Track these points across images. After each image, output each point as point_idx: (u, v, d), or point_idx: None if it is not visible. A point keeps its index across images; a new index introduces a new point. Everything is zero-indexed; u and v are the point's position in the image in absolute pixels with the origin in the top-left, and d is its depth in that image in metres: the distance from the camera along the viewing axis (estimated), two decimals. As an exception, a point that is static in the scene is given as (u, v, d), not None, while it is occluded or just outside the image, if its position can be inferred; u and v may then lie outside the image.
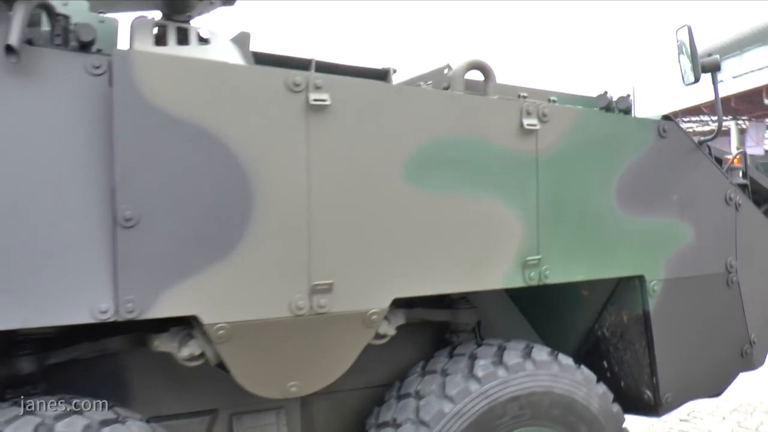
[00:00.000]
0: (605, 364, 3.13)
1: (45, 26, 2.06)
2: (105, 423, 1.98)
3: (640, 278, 2.76)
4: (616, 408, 2.79)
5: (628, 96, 2.77)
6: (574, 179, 2.56)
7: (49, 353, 2.27)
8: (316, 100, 2.09)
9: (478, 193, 2.37)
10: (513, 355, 2.61)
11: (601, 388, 2.75)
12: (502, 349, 2.66)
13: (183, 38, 2.09)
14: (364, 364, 2.91)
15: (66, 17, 2.00)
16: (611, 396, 2.78)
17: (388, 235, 2.23)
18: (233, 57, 2.21)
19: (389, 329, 2.41)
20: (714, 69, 2.77)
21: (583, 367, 2.75)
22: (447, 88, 2.55)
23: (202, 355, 2.14)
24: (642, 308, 2.80)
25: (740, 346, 3.11)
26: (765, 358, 3.28)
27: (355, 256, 2.19)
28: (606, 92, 2.82)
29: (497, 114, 2.40)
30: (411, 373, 2.71)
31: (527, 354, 2.62)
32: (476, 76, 2.68)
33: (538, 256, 2.48)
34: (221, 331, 2.04)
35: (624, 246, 2.69)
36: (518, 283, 2.47)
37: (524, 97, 2.73)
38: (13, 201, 1.80)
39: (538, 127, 2.45)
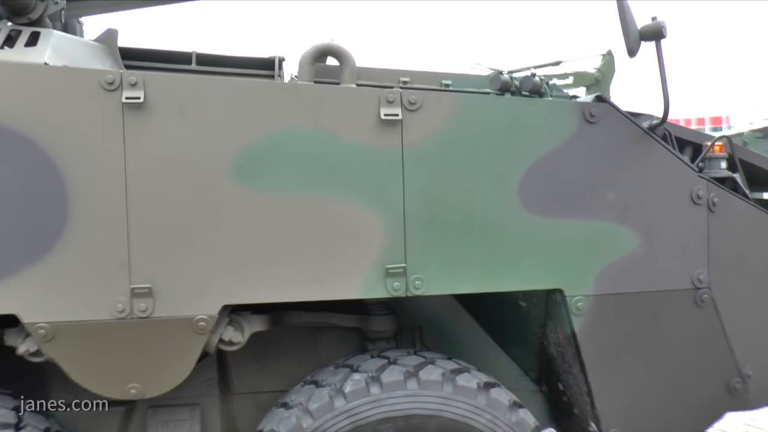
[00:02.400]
0: (560, 386, 2.75)
1: None
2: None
3: (561, 293, 2.36)
4: None
5: (533, 75, 2.35)
6: (457, 176, 2.26)
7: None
8: (128, 98, 2.08)
9: (323, 193, 2.20)
10: (394, 372, 2.39)
11: (518, 416, 2.42)
12: (392, 363, 2.45)
13: (11, 42, 2.19)
14: (288, 366, 2.87)
15: None
16: (533, 425, 2.43)
17: (214, 238, 2.16)
18: (75, 57, 2.27)
19: (236, 336, 2.34)
20: (657, 37, 2.24)
21: (494, 390, 2.44)
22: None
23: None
24: (570, 328, 2.39)
25: (725, 381, 2.53)
26: None
27: (177, 259, 2.15)
28: (501, 72, 2.41)
29: (348, 104, 2.20)
30: (301, 380, 2.60)
31: (413, 372, 2.38)
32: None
33: (403, 265, 2.23)
34: (41, 331, 2.12)
35: (532, 254, 2.32)
36: (380, 293, 2.25)
37: (404, 82, 2.44)
38: None
39: (400, 117, 2.19)
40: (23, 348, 2.24)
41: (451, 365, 2.49)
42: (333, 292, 2.24)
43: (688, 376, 2.50)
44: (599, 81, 11.86)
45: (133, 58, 2.53)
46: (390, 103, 2.20)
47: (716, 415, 2.58)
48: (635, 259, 2.38)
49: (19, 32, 2.20)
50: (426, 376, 2.39)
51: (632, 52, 2.24)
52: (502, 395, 2.45)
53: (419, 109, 2.22)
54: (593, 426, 2.54)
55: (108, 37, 2.47)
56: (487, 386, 2.46)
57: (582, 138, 2.33)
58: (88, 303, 2.13)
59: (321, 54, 2.37)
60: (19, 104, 2.07)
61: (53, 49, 2.19)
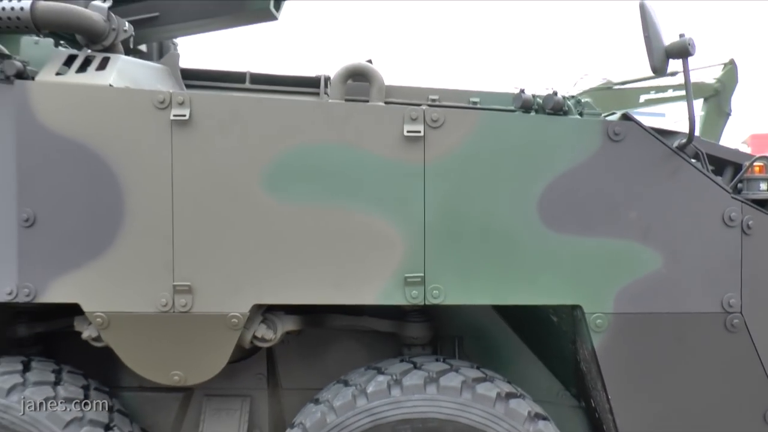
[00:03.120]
0: (592, 402, 2.75)
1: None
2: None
3: (580, 309, 2.38)
4: None
5: (555, 93, 2.39)
6: (477, 191, 2.35)
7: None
8: (176, 115, 2.35)
9: (347, 204, 2.36)
10: (415, 377, 2.50)
11: (537, 426, 2.47)
12: (417, 368, 2.57)
13: (83, 66, 2.51)
14: (331, 366, 3.06)
15: (7, 54, 2.57)
16: None
17: (247, 243, 2.38)
18: (137, 79, 2.57)
19: (268, 333, 2.54)
20: (683, 55, 2.22)
21: (515, 400, 2.50)
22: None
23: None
24: (590, 344, 2.41)
25: (762, 410, 2.44)
26: None
27: (214, 261, 2.39)
28: (522, 90, 2.46)
29: (373, 121, 2.35)
30: (336, 380, 2.77)
31: (434, 378, 2.49)
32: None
33: (420, 274, 2.35)
34: (98, 319, 2.43)
35: (550, 269, 2.36)
36: (399, 300, 2.38)
37: (433, 100, 2.55)
38: None
39: (422, 134, 2.32)
40: (86, 333, 2.56)
41: (474, 374, 2.57)
42: (354, 297, 2.39)
43: (719, 403, 2.44)
44: (719, 92, 11.16)
45: (193, 78, 2.82)
46: (413, 120, 2.33)
47: None
48: (659, 280, 2.36)
49: (93, 57, 2.53)
50: (446, 382, 2.48)
51: (656, 70, 2.24)
52: (522, 406, 2.50)
53: (441, 126, 2.34)
54: None
55: (170, 60, 2.77)
56: (509, 396, 2.52)
57: (605, 156, 2.34)
58: (137, 296, 2.41)
59: (351, 74, 2.54)
60: (87, 121, 2.39)
61: (118, 72, 2.50)
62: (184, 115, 2.35)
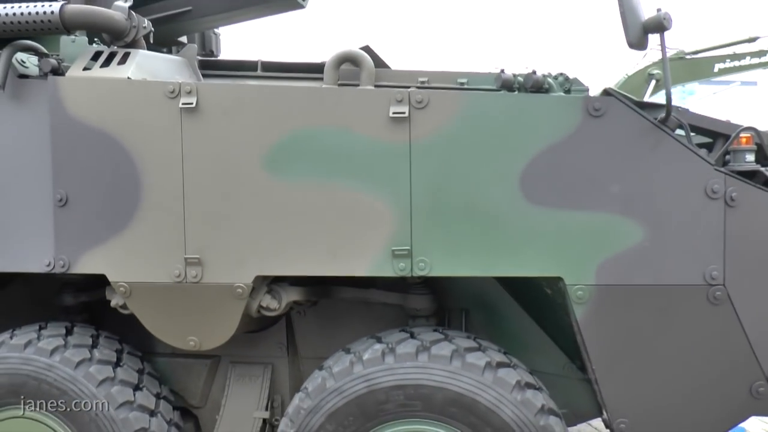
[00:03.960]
0: (590, 373, 2.84)
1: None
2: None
3: (562, 281, 2.48)
4: (545, 421, 2.58)
5: (534, 72, 2.46)
6: (461, 168, 2.48)
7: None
8: (184, 103, 2.59)
9: (340, 182, 2.54)
10: (409, 345, 2.67)
11: (524, 395, 2.59)
12: (412, 338, 2.73)
13: (107, 61, 2.79)
14: (345, 335, 3.27)
15: (46, 53, 2.88)
16: (540, 406, 2.59)
17: (250, 219, 2.61)
18: (155, 71, 2.82)
19: (272, 303, 2.76)
20: (660, 29, 2.25)
21: (503, 369, 2.63)
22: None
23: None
24: (574, 316, 2.51)
25: (748, 383, 2.45)
26: None
27: (221, 236, 2.63)
28: (502, 71, 2.54)
29: (363, 104, 2.51)
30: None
31: (424, 346, 2.65)
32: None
33: (407, 247, 2.51)
34: (122, 288, 2.73)
35: (533, 242, 2.47)
36: (387, 272, 2.55)
37: (423, 82, 2.67)
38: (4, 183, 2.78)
39: (407, 114, 2.46)
40: (114, 302, 2.87)
41: (467, 344, 2.71)
42: (346, 269, 2.58)
43: (705, 375, 2.48)
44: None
45: (210, 67, 3.06)
46: (399, 102, 2.48)
47: (739, 418, 2.52)
48: (641, 252, 2.42)
49: (116, 53, 2.80)
50: (437, 351, 2.64)
51: (632, 45, 2.29)
52: (511, 375, 2.62)
53: (426, 107, 2.47)
54: (605, 414, 2.62)
55: (188, 51, 3.02)
56: (499, 365, 2.65)
57: (586, 131, 2.42)
58: (154, 268, 2.68)
59: (342, 60, 2.70)
60: (108, 111, 2.68)
61: (137, 65, 2.76)
62: (192, 103, 2.59)
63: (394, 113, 2.47)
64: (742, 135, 2.40)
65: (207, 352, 3.28)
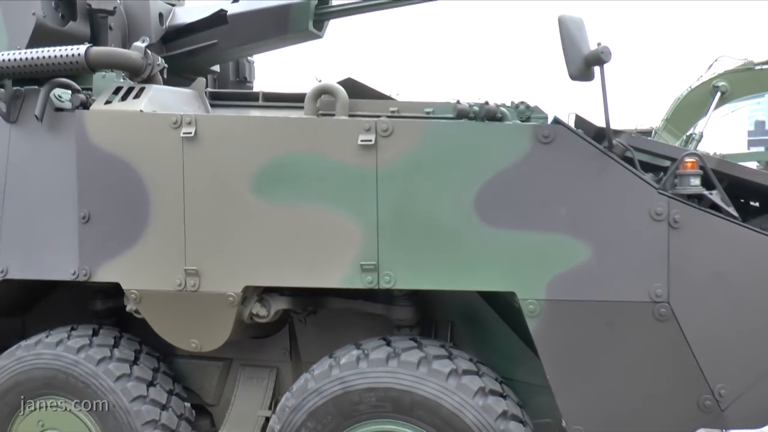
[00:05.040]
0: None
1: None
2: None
3: (515, 296, 2.69)
4: (505, 426, 2.79)
5: (486, 103, 2.68)
6: (422, 190, 2.74)
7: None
8: (185, 133, 2.98)
9: (316, 203, 2.85)
10: (381, 352, 2.94)
11: (485, 401, 2.81)
12: (387, 345, 2.99)
13: (124, 95, 3.21)
14: (341, 343, 3.56)
15: (77, 89, 3.34)
16: (500, 412, 2.80)
17: (240, 236, 2.96)
18: (166, 103, 3.22)
19: (262, 310, 3.08)
20: (599, 62, 2.44)
21: (467, 377, 2.85)
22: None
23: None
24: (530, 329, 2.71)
25: (695, 397, 2.58)
26: (758, 418, 2.57)
27: (215, 250, 3.00)
28: (458, 101, 2.76)
29: (335, 133, 2.82)
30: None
31: (395, 353, 2.91)
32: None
33: (374, 262, 2.78)
34: (133, 295, 3.13)
35: (488, 259, 2.69)
36: (357, 284, 2.83)
37: (393, 112, 2.94)
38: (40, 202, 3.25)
39: (372, 142, 2.75)
40: (129, 307, 3.27)
41: (436, 351, 2.95)
42: (322, 280, 2.89)
43: (654, 387, 2.62)
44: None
45: (218, 98, 3.44)
46: (366, 130, 2.77)
47: (688, 429, 2.64)
48: (589, 270, 2.60)
49: (133, 88, 3.23)
50: (406, 357, 2.89)
51: (574, 77, 2.49)
52: (474, 382, 2.84)
53: (390, 135, 2.75)
54: (564, 423, 2.80)
55: (198, 85, 3.41)
56: (465, 373, 2.88)
57: (535, 157, 2.63)
58: (160, 278, 3.07)
59: (319, 93, 3.00)
60: (123, 139, 3.10)
61: (149, 99, 3.17)
62: (191, 133, 2.97)
63: (362, 141, 2.76)
64: (687, 160, 2.55)
65: (219, 356, 3.68)
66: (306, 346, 3.64)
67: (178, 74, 4.46)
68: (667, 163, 2.89)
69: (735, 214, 2.56)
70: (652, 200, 2.54)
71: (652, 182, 2.56)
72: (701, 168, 2.57)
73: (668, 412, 2.63)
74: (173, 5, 4.80)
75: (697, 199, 2.57)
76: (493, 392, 2.87)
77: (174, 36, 4.34)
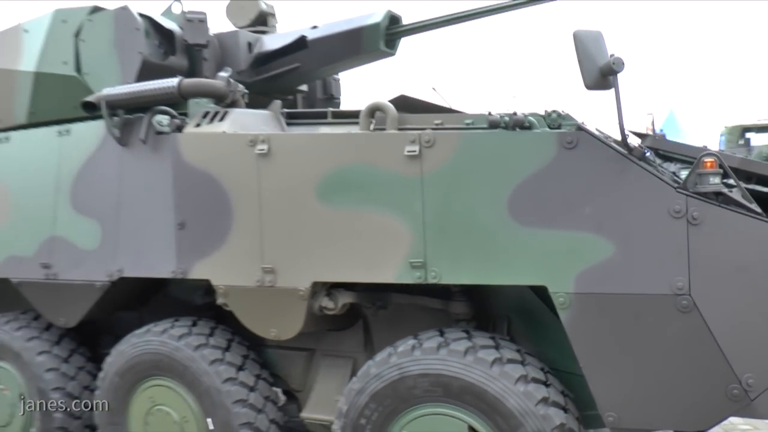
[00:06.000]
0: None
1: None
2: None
3: (547, 289, 2.95)
4: (544, 411, 3.06)
5: (514, 113, 2.94)
6: (461, 194, 3.06)
7: None
8: (259, 150, 3.48)
9: (371, 208, 3.25)
10: (433, 341, 3.28)
11: (527, 388, 3.08)
12: (440, 336, 3.34)
13: (211, 119, 3.75)
14: (410, 335, 3.94)
15: (174, 116, 3.94)
16: (540, 398, 3.06)
17: (308, 238, 3.41)
18: (246, 124, 3.73)
19: (329, 304, 3.51)
20: (612, 73, 2.66)
21: (510, 365, 3.14)
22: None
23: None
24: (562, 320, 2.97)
25: (723, 386, 2.71)
26: None
27: (287, 250, 3.46)
28: (489, 112, 3.04)
29: (385, 145, 3.21)
30: None
31: (445, 343, 3.24)
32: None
33: (422, 260, 3.14)
34: (221, 290, 3.67)
35: (521, 256, 2.97)
36: (408, 280, 3.20)
37: (437, 124, 3.27)
38: (146, 212, 3.87)
39: (417, 153, 3.11)
40: (219, 300, 3.80)
41: (484, 342, 3.25)
42: (378, 276, 3.27)
43: (682, 376, 2.79)
44: None
45: (293, 118, 3.91)
46: (411, 142, 3.13)
47: (718, 417, 2.78)
48: (613, 265, 2.82)
49: (218, 112, 3.78)
50: (455, 347, 3.22)
51: (589, 87, 2.73)
52: (517, 370, 3.12)
53: (432, 146, 3.10)
54: (599, 410, 3.02)
55: (274, 106, 3.91)
56: (510, 361, 3.16)
57: (561, 161, 2.89)
58: (242, 274, 3.57)
59: (373, 110, 3.38)
60: (209, 157, 3.64)
61: (231, 121, 3.70)
62: (264, 149, 3.46)
63: (408, 152, 3.13)
64: (705, 160, 2.71)
65: (304, 346, 4.16)
66: (378, 339, 4.04)
67: (269, 95, 5.03)
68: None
69: (757, 209, 2.69)
70: (671, 199, 2.73)
71: (670, 181, 2.75)
72: (720, 167, 2.73)
73: (697, 400, 2.79)
74: (266, 32, 5.40)
75: (719, 197, 2.73)
76: (535, 380, 3.13)
77: (263, 61, 4.89)
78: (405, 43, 4.94)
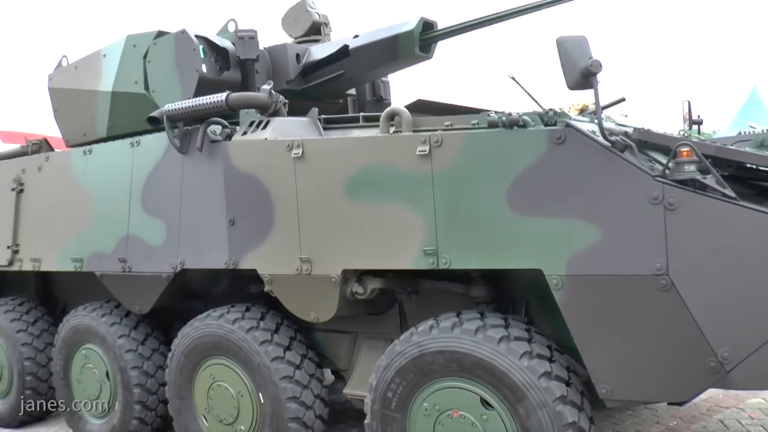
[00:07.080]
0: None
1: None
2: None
3: (541, 272, 3.29)
4: (546, 384, 3.40)
5: (510, 113, 3.28)
6: (467, 188, 3.44)
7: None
8: (295, 153, 3.98)
9: (390, 202, 3.67)
10: (448, 321, 3.68)
11: (530, 363, 3.42)
12: (456, 317, 3.73)
13: (255, 127, 4.28)
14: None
15: (225, 125, 4.50)
16: (542, 372, 3.40)
17: (338, 231, 3.87)
18: (286, 131, 4.23)
19: (359, 289, 3.96)
20: (591, 74, 2.96)
21: (515, 342, 3.49)
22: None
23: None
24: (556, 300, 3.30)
25: (701, 359, 2.97)
26: (764, 380, 2.88)
27: (320, 242, 3.95)
28: (488, 113, 3.37)
29: (401, 146, 3.63)
30: None
31: (459, 323, 3.64)
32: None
33: (434, 248, 3.54)
34: (266, 278, 4.20)
35: (519, 242, 3.31)
36: (423, 266, 3.60)
37: (447, 125, 3.65)
38: (203, 211, 4.47)
39: (427, 152, 3.52)
40: (266, 288, 4.33)
41: (494, 322, 3.61)
42: (398, 263, 3.69)
43: (664, 350, 3.05)
44: None
45: (330, 122, 4.39)
46: (422, 143, 3.54)
47: (698, 388, 3.03)
48: (600, 249, 3.12)
49: (261, 121, 4.31)
50: (467, 326, 3.60)
51: (571, 87, 3.04)
52: (522, 347, 3.47)
53: (440, 145, 3.50)
54: (593, 382, 3.32)
55: (312, 114, 4.40)
56: (516, 339, 3.51)
57: (551, 155, 3.21)
58: (283, 264, 4.08)
59: (391, 115, 3.79)
60: (254, 161, 4.17)
61: (273, 129, 4.22)
62: (299, 153, 3.95)
63: (419, 151, 3.54)
64: (681, 149, 2.97)
65: (347, 329, 4.65)
66: (412, 321, 4.45)
67: (319, 100, 5.55)
68: None
69: (731, 194, 2.92)
70: (649, 186, 3.01)
71: (648, 171, 3.03)
72: (696, 155, 2.98)
73: (679, 373, 3.05)
74: (319, 41, 5.92)
75: (695, 184, 2.98)
76: (540, 356, 3.46)
77: (311, 70, 5.41)
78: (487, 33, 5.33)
